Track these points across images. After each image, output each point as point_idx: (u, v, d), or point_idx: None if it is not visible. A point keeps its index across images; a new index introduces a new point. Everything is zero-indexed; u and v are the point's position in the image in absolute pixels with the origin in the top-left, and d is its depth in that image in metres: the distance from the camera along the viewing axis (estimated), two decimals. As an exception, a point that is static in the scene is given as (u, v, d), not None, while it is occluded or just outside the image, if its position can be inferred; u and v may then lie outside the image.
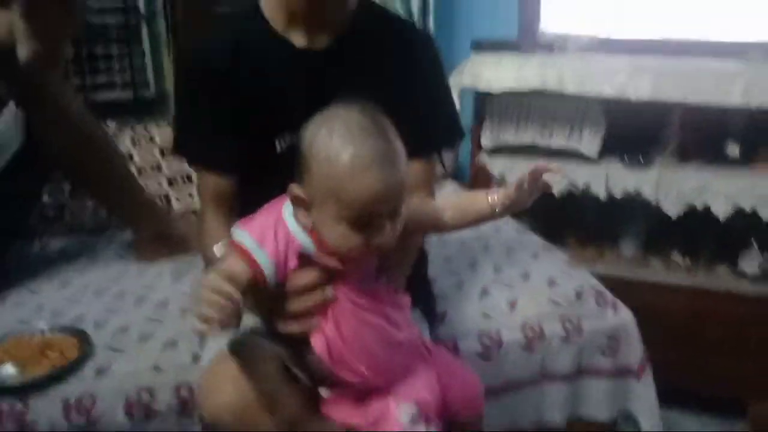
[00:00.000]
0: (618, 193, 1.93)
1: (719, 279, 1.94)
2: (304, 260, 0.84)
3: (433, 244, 1.58)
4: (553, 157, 2.00)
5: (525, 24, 2.09)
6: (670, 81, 1.76)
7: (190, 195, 1.84)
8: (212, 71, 1.04)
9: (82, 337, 1.15)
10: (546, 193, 0.91)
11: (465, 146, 2.14)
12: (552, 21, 2.02)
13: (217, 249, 0.92)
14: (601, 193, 1.94)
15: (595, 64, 1.86)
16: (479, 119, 2.06)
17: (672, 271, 2.00)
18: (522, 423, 1.32)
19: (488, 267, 1.47)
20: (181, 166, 1.88)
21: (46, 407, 1.03)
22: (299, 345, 0.86)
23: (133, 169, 1.84)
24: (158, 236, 1.55)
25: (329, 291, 0.84)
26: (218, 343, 0.97)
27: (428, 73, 1.12)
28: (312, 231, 0.82)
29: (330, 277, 0.84)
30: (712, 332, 1.86)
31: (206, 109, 1.05)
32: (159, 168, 1.90)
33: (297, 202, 0.82)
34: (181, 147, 1.13)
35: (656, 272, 2.01)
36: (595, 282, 1.44)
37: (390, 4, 2.13)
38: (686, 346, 1.88)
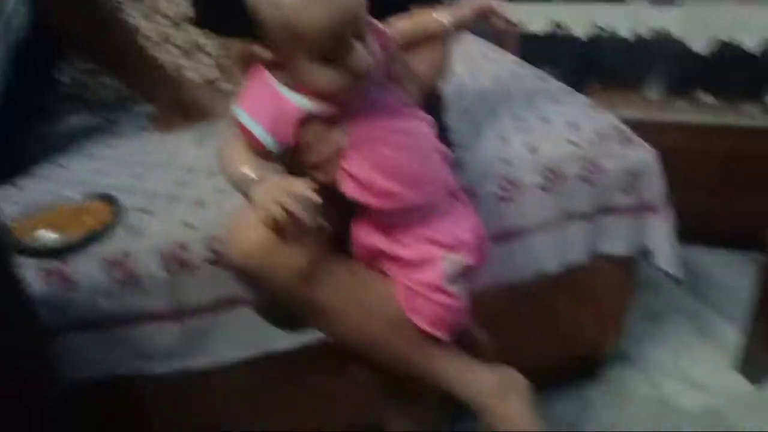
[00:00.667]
0: (645, 33, 1.86)
1: (746, 117, 1.90)
2: (306, 119, 0.83)
3: (451, 95, 1.56)
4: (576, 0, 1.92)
5: None
6: None
7: (205, 65, 1.82)
8: None
9: (113, 203, 1.20)
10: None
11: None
12: None
13: None
14: (627, 33, 1.87)
15: None
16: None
17: (699, 112, 1.96)
18: (546, 263, 1.36)
19: (507, 114, 1.46)
20: (193, 36, 1.85)
21: (86, 266, 1.09)
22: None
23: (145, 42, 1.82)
24: (176, 105, 1.56)
25: (341, 138, 0.84)
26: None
27: None
28: (299, 86, 0.82)
29: (337, 119, 0.84)
30: (741, 171, 1.85)
31: None
32: (169, 40, 1.87)
33: (267, 63, 0.81)
34: (204, 18, 1.13)
35: (682, 113, 1.97)
36: (616, 122, 1.42)
37: None
38: (714, 185, 1.88)
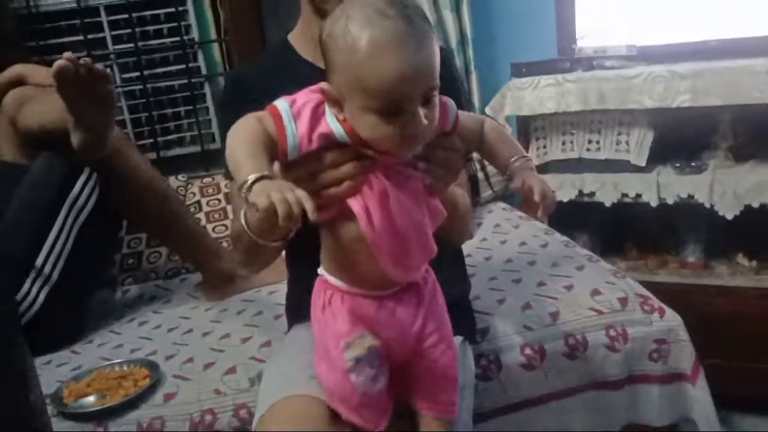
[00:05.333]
0: (671, 200, 1.92)
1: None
2: (336, 146, 0.82)
3: (479, 262, 1.64)
4: (602, 170, 2.02)
5: (563, 43, 2.14)
6: (710, 84, 1.75)
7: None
8: (248, 92, 1.11)
9: (152, 368, 1.28)
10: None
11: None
12: (589, 37, 2.06)
13: None
14: (653, 200, 1.93)
15: (635, 76, 1.87)
16: (525, 139, 2.10)
17: (738, 274, 1.95)
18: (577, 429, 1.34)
19: (532, 282, 1.50)
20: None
21: (121, 430, 1.16)
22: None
23: (203, 216, 2.01)
24: (224, 276, 1.68)
25: (366, 162, 0.82)
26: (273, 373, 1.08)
27: (447, 83, 1.12)
28: (347, 124, 0.80)
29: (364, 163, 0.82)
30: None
31: None
32: (225, 213, 2.05)
33: (328, 99, 0.81)
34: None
35: (721, 276, 1.97)
36: (640, 288, 1.44)
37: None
38: (758, 349, 1.82)
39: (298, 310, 1.25)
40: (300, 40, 1.18)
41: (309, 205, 0.70)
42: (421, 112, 0.77)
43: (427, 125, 0.78)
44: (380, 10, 0.75)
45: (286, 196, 0.69)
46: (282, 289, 1.62)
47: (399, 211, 0.83)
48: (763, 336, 1.82)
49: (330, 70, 0.80)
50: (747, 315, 1.85)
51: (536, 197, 0.87)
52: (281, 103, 0.82)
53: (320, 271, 0.92)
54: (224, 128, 1.19)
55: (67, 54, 1.22)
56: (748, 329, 1.84)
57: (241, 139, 0.80)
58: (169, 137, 2.35)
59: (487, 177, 2.17)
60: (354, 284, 0.88)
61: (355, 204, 0.82)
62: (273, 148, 0.81)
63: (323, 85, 0.81)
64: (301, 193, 0.71)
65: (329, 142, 0.82)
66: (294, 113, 0.81)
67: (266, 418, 0.97)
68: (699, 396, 1.37)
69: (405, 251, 0.85)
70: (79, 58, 1.25)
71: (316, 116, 0.82)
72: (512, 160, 0.93)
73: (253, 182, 0.72)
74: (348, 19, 0.76)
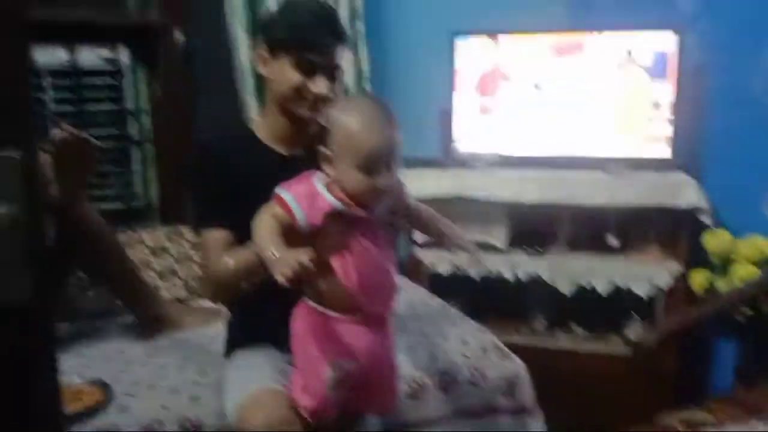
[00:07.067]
0: (523, 277, 2.42)
1: (609, 345, 2.42)
2: (334, 215, 1.18)
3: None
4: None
5: (444, 144, 2.65)
6: (551, 187, 2.32)
7: (177, 287, 2.24)
8: (217, 167, 1.44)
9: (105, 387, 1.52)
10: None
11: (402, 244, 2.61)
12: (465, 142, 2.58)
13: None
14: (510, 276, 2.43)
15: (497, 177, 2.42)
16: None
17: (573, 341, 2.46)
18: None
19: (416, 331, 1.89)
20: (168, 262, 2.29)
21: (85, 432, 1.39)
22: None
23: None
24: (154, 318, 1.93)
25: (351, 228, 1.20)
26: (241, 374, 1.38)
27: None
28: (337, 193, 1.18)
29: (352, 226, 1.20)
30: (605, 388, 2.29)
31: (215, 194, 1.44)
32: (149, 265, 2.29)
33: (324, 158, 1.19)
34: (201, 221, 1.47)
35: (561, 341, 2.47)
36: (496, 341, 1.88)
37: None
38: (588, 399, 2.30)
39: (241, 339, 1.53)
40: (264, 130, 1.52)
41: (307, 265, 1.09)
42: (387, 170, 1.18)
43: (391, 179, 1.19)
44: (368, 103, 1.23)
45: (293, 261, 1.09)
46: (204, 330, 1.91)
47: (371, 264, 1.23)
48: (593, 389, 2.31)
49: (329, 140, 1.19)
50: (580, 372, 2.35)
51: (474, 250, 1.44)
52: (285, 194, 1.19)
53: (311, 303, 1.26)
54: (193, 189, 1.52)
55: (67, 127, 1.50)
56: (580, 383, 2.33)
57: (263, 233, 1.18)
58: (95, 193, 2.56)
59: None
60: (337, 312, 1.24)
61: (337, 263, 1.21)
62: (287, 227, 1.18)
63: (321, 149, 1.20)
64: (301, 257, 1.09)
65: (328, 214, 1.19)
66: (295, 197, 1.19)
67: (246, 404, 1.27)
68: (538, 427, 1.80)
69: (376, 292, 1.26)
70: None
71: (312, 199, 1.20)
72: (450, 239, 1.43)
73: (275, 257, 1.12)
74: (347, 108, 1.22)
